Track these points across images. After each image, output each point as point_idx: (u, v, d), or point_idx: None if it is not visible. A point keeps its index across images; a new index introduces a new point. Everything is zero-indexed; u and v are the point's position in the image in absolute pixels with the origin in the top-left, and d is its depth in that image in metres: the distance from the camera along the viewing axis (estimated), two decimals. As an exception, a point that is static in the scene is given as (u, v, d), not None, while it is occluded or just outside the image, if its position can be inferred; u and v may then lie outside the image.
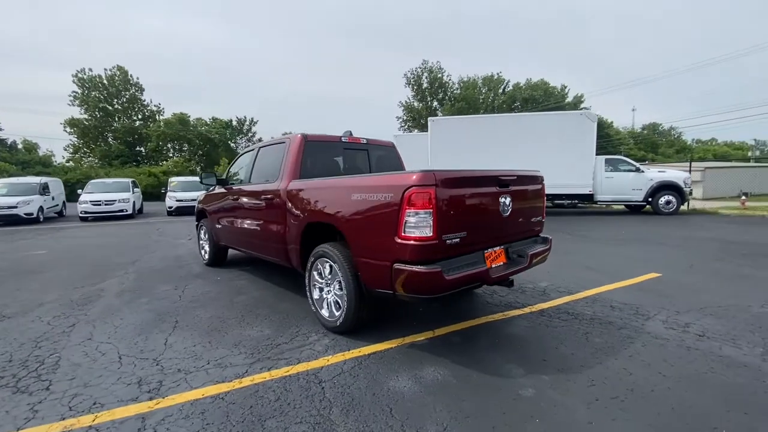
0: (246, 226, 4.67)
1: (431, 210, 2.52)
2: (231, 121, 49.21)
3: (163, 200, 17.44)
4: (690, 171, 13.96)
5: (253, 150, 4.99)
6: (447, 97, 51.71)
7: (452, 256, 2.73)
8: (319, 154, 4.17)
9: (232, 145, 47.77)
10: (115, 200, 14.81)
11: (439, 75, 51.29)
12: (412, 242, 2.56)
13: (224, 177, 5.44)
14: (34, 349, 3.09)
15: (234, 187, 5.10)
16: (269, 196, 4.11)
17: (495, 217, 3.03)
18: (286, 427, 2.06)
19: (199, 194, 6.72)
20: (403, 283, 2.62)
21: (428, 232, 2.53)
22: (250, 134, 50.47)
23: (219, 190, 5.55)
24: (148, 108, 46.52)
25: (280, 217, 3.97)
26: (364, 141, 4.65)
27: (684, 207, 12.77)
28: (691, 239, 7.88)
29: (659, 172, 12.70)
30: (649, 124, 63.46)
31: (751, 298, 4.01)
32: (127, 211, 15.00)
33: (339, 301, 3.22)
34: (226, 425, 2.08)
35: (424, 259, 2.57)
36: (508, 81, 55.57)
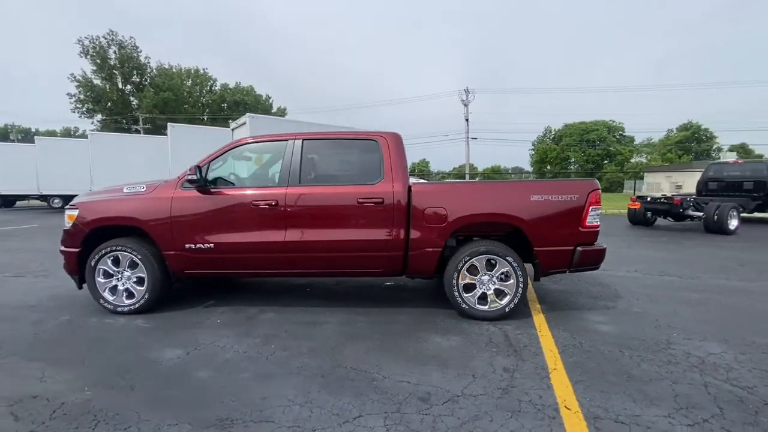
0: (304, 237, 3.67)
1: (600, 206, 3.71)
2: None
3: None
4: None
5: (279, 142, 3.89)
6: (148, 83, 43.60)
7: None
8: (401, 154, 4.06)
9: None
10: None
11: (134, 54, 42.42)
12: (592, 230, 3.65)
13: (204, 175, 3.75)
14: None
15: (250, 190, 3.75)
16: (377, 199, 3.63)
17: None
18: (638, 363, 2.77)
19: (93, 194, 3.94)
20: (586, 260, 3.65)
21: (598, 221, 3.71)
22: None
23: (188, 193, 3.75)
24: None
25: (394, 221, 3.66)
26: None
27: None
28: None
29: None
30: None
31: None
32: None
33: (504, 290, 3.67)
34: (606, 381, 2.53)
35: (595, 241, 3.72)
36: (216, 80, 53.74)
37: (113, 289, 3.85)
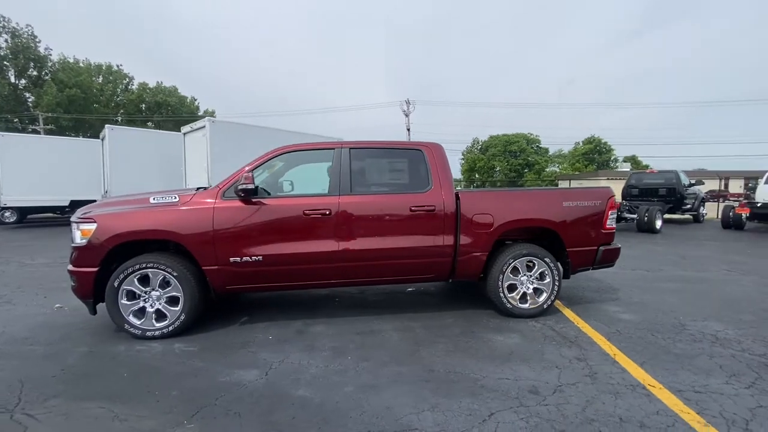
0: (358, 246, 3.65)
1: (616, 210, 4.25)
2: None
3: None
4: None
5: (326, 150, 3.84)
6: (49, 78, 38.03)
7: None
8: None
9: None
10: None
11: (32, 44, 36.77)
12: (611, 231, 4.16)
13: (254, 185, 3.52)
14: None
15: (301, 199, 3.64)
16: (428, 207, 3.75)
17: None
18: (673, 343, 3.25)
19: (109, 206, 3.43)
20: (607, 258, 4.14)
21: (614, 224, 4.23)
22: None
23: (231, 203, 3.52)
24: None
25: (445, 227, 3.81)
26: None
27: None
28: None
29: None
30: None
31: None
32: None
33: (542, 288, 4.01)
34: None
35: (612, 241, 4.23)
36: (133, 78, 48.97)
37: (139, 312, 3.43)
